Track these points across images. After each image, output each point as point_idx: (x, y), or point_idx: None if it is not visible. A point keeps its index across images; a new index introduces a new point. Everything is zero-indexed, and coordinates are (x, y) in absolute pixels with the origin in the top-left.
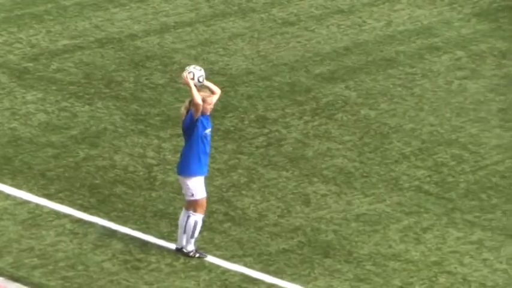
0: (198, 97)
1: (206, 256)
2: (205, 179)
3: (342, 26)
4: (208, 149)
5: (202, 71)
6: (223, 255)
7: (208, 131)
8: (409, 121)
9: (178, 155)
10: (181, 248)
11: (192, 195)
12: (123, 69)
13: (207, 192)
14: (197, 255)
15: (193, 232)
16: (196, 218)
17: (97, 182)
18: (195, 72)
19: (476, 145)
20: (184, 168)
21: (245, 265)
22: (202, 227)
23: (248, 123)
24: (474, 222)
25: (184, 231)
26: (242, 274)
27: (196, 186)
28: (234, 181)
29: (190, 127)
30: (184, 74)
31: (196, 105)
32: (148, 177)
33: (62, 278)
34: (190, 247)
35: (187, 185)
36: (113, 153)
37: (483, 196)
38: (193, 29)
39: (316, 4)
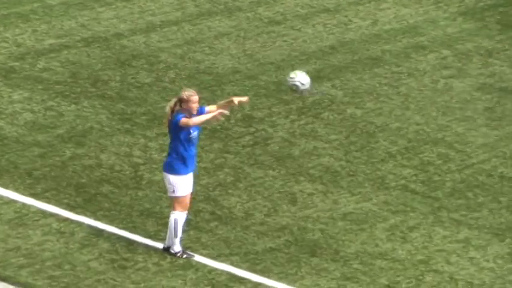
0: (200, 122)
1: (194, 256)
2: (193, 177)
3: (328, 25)
4: (193, 151)
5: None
6: (210, 254)
7: (194, 133)
8: (395, 120)
9: (165, 154)
10: (169, 248)
11: (173, 191)
12: (109, 68)
13: (193, 191)
14: (184, 255)
15: (175, 230)
16: (176, 216)
17: (83, 181)
18: (298, 84)
19: (462, 144)
20: (169, 167)
21: (232, 264)
22: (186, 225)
23: (234, 122)
24: (461, 221)
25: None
26: (229, 273)
27: (178, 184)
28: (221, 180)
29: (175, 129)
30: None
31: (185, 123)
32: (135, 176)
33: (48, 277)
34: (177, 247)
35: (169, 180)
36: (99, 152)
37: (469, 195)
38: (179, 28)
39: (302, 3)
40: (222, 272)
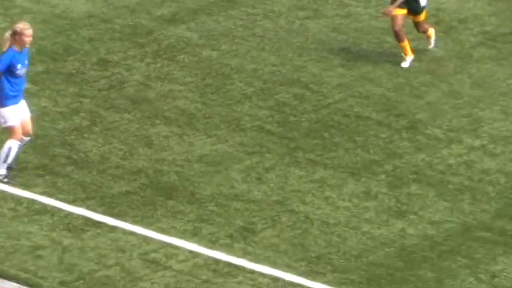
0: None
1: (7, 182)
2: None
3: None
4: (21, 86)
5: None
6: (66, 198)
7: (22, 70)
8: (250, 61)
9: None
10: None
11: (5, 122)
12: None
13: (31, 115)
14: (5, 180)
15: (6, 156)
16: (11, 144)
17: None
18: None
19: (318, 84)
20: None
21: (88, 208)
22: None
23: (90, 66)
24: (316, 161)
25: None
26: (84, 217)
27: (7, 115)
28: (76, 124)
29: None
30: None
31: None
32: None
33: None
34: (2, 171)
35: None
36: None
37: (325, 135)
38: None
39: None
40: (78, 217)
